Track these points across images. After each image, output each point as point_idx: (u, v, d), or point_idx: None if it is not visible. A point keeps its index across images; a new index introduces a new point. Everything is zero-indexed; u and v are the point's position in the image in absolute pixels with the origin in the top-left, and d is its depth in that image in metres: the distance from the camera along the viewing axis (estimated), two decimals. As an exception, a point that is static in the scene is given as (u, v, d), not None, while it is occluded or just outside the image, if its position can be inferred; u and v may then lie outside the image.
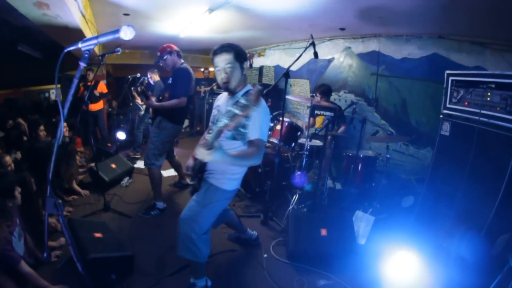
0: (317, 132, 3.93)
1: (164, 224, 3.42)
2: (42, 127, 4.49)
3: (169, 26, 5.22)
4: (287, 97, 3.58)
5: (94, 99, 6.42)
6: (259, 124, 1.84)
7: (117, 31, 1.28)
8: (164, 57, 3.46)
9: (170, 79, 3.54)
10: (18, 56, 5.90)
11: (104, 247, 2.52)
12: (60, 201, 1.39)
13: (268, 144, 4.20)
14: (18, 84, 8.68)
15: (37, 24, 3.67)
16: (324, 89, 4.30)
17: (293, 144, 3.84)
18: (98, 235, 2.65)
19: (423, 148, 4.01)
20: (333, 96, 5.09)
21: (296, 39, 6.00)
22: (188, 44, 7.17)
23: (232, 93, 2.02)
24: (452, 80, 2.88)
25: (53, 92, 9.89)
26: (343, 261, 2.69)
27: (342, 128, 4.28)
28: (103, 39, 1.32)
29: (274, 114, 3.99)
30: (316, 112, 4.38)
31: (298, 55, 5.78)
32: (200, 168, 2.11)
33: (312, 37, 3.28)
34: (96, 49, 6.04)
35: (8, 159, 3.13)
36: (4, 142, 4.22)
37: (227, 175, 2.07)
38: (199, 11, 4.13)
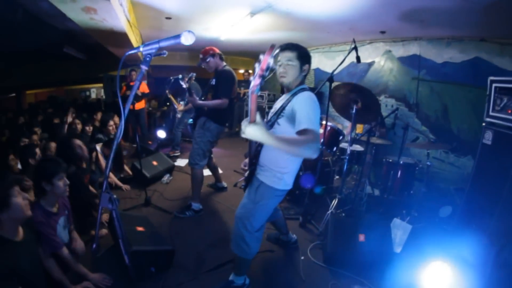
0: (357, 137, 3.92)
1: (203, 221, 3.56)
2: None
3: (210, 29, 5.30)
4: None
5: (136, 99, 6.69)
6: (306, 112, 1.83)
7: (178, 36, 1.35)
8: (207, 60, 3.56)
9: (214, 80, 3.64)
10: (63, 57, 6.21)
11: (146, 241, 2.63)
12: (115, 196, 1.46)
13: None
14: (62, 82, 9.19)
15: (84, 28, 3.80)
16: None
17: (334, 148, 3.87)
18: (140, 228, 2.77)
19: (463, 156, 3.90)
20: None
21: (335, 42, 5.98)
22: (228, 46, 7.21)
23: (287, 89, 2.13)
24: (496, 87, 2.77)
25: (94, 91, 10.38)
26: (379, 268, 2.69)
27: (382, 133, 4.25)
28: (164, 44, 1.38)
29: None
30: None
31: (338, 58, 5.93)
32: (253, 158, 2.18)
33: (354, 41, 3.30)
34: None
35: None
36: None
37: (277, 172, 2.10)
38: (240, 15, 4.18)
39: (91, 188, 3.62)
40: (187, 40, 1.35)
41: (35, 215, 2.05)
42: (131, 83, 6.71)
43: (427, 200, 3.73)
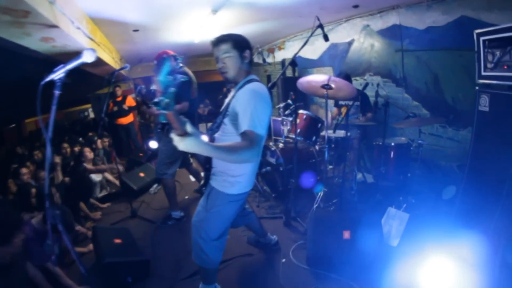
0: (339, 122, 3.63)
1: (186, 229, 3.40)
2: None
3: (180, 33, 5.23)
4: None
5: (124, 113, 6.90)
6: (249, 112, 1.64)
7: (79, 57, 1.46)
8: None
9: None
10: (49, 84, 6.24)
11: (121, 252, 2.74)
12: (58, 211, 1.54)
13: (287, 140, 3.99)
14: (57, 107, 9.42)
15: (51, 55, 3.91)
16: (344, 76, 3.96)
17: (314, 138, 3.59)
18: (117, 241, 2.88)
19: (463, 129, 3.52)
20: (358, 81, 4.72)
21: (312, 26, 5.60)
22: (205, 48, 7.06)
23: (235, 83, 1.93)
24: (484, 41, 2.33)
25: (92, 111, 10.56)
26: (371, 267, 2.39)
27: (368, 116, 3.94)
28: (70, 67, 1.49)
29: (292, 107, 3.76)
30: (340, 102, 4.13)
31: (317, 43, 5.62)
32: (205, 163, 2.03)
33: (318, 19, 3.02)
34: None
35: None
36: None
37: (227, 177, 1.92)
38: (203, 14, 4.08)
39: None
40: (88, 57, 1.45)
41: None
42: (118, 99, 6.87)
43: (427, 182, 3.40)
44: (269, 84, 2.90)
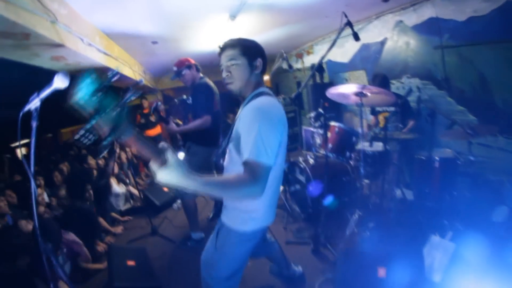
0: (377, 134, 3.24)
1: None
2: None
3: (201, 43, 5.11)
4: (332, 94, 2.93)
5: (151, 125, 6.87)
6: (253, 136, 1.31)
7: (51, 84, 1.39)
8: (183, 72, 3.17)
9: (190, 98, 3.27)
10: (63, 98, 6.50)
11: (132, 276, 2.67)
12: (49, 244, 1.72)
13: (318, 154, 3.63)
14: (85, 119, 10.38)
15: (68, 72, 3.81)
16: (380, 80, 3.57)
17: (347, 154, 3.22)
18: (131, 263, 2.80)
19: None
20: (395, 84, 4.24)
21: (340, 27, 5.19)
22: None
23: (242, 98, 1.63)
24: None
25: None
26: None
27: (410, 124, 3.49)
28: (43, 95, 1.42)
29: (324, 117, 3.20)
30: (377, 109, 3.70)
31: (347, 44, 5.20)
32: None
33: (345, 15, 2.60)
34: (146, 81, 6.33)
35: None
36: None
37: (239, 212, 1.60)
38: (221, 21, 3.89)
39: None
40: (59, 83, 1.37)
41: None
42: (144, 111, 6.85)
43: (474, 200, 2.91)
44: (293, 95, 2.59)
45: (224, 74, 1.57)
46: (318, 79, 6.03)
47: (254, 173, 1.24)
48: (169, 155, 1.04)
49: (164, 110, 4.40)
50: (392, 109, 3.43)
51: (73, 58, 3.32)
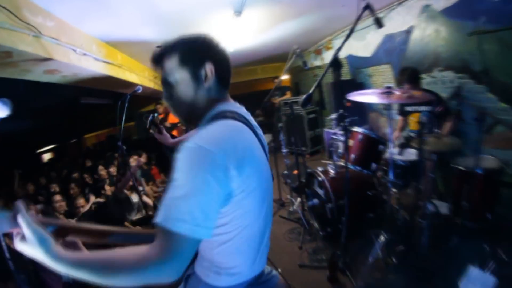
0: (408, 139, 2.82)
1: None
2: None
3: None
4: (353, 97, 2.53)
5: (166, 130, 6.64)
6: (172, 190, 0.84)
7: None
8: None
9: None
10: (91, 106, 6.45)
11: None
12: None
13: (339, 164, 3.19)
14: (104, 125, 10.40)
15: (68, 83, 3.77)
16: (409, 74, 3.09)
17: (373, 165, 2.82)
18: None
19: None
20: (426, 79, 3.71)
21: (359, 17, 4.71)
22: (247, 57, 6.78)
23: (193, 126, 1.15)
24: None
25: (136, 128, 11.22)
26: None
27: (448, 126, 2.99)
28: None
29: (345, 122, 2.69)
30: (406, 109, 3.23)
31: (368, 36, 4.72)
32: None
33: (363, -1, 2.12)
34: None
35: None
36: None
37: (213, 266, 1.11)
38: (226, 18, 3.60)
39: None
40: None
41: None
42: (160, 116, 6.73)
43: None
44: (304, 97, 2.10)
45: (163, 99, 1.10)
46: (334, 76, 5.58)
47: (162, 246, 0.81)
48: (23, 223, 0.80)
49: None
50: (425, 108, 2.96)
51: (68, 70, 3.20)
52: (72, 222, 3.44)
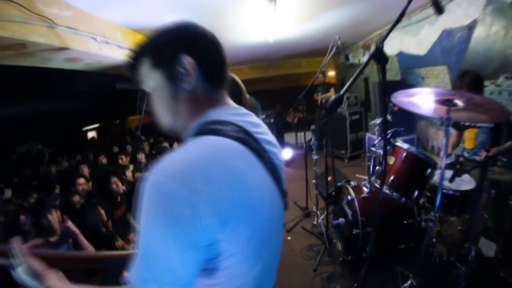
0: (459, 161, 2.38)
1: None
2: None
3: (247, 33, 4.66)
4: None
5: None
6: (140, 243, 0.61)
7: None
8: None
9: None
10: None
11: None
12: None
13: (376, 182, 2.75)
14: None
15: (94, 71, 3.91)
16: (470, 80, 2.46)
17: (415, 193, 2.28)
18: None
19: None
20: (489, 87, 3.12)
21: (412, 8, 4.03)
22: (291, 48, 6.53)
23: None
24: None
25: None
26: None
27: (506, 146, 2.35)
28: None
29: (387, 133, 2.39)
30: (461, 122, 2.66)
31: (423, 31, 4.21)
32: None
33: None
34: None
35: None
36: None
37: None
38: (260, 6, 3.39)
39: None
40: None
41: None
42: None
43: None
44: (331, 100, 1.48)
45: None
46: (390, 76, 5.01)
47: None
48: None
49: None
50: (485, 124, 2.44)
51: (90, 58, 3.22)
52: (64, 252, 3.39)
